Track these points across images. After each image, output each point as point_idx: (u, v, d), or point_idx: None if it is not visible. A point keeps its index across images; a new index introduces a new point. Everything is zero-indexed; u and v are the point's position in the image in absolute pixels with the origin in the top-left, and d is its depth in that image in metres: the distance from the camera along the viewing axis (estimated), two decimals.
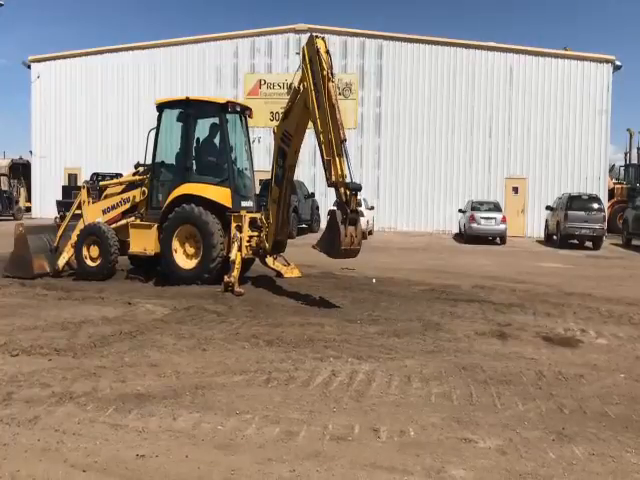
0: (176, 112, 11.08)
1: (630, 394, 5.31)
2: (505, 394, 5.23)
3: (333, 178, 9.06)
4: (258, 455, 3.97)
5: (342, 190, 9.01)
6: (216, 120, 10.92)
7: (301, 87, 9.83)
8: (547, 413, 4.81)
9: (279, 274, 11.49)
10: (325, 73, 9.34)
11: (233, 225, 10.34)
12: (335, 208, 9.14)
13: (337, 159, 9.07)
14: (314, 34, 9.89)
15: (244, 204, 10.89)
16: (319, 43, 9.55)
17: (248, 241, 10.51)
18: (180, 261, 10.41)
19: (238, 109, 11.21)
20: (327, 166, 9.16)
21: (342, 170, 9.06)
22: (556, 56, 28.37)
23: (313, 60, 9.52)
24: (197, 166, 10.93)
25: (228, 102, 10.95)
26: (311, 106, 9.45)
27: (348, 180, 9.08)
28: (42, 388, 5.12)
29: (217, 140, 11.02)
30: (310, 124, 9.84)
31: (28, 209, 32.74)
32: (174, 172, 10.93)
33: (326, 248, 9.24)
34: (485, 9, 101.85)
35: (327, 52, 9.57)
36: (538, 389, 5.39)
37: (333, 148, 9.10)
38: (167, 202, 10.54)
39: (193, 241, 10.40)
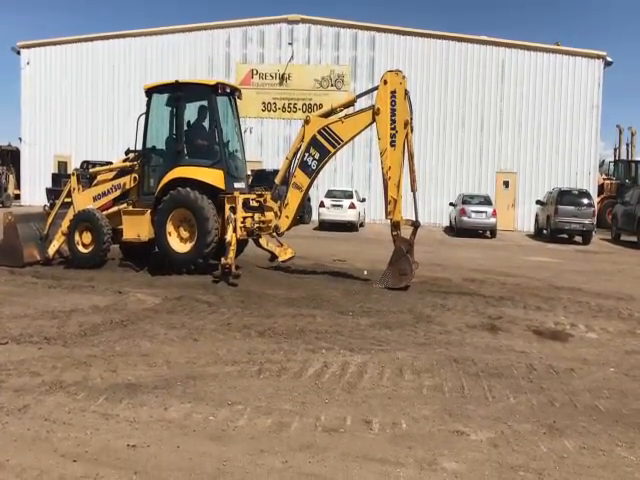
0: (165, 96, 11.01)
1: (620, 388, 5.34)
2: (496, 387, 5.25)
3: (397, 217, 10.15)
4: (250, 446, 3.96)
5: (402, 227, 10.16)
6: (206, 102, 10.85)
7: (375, 108, 10.31)
8: (538, 406, 4.83)
9: (273, 255, 11.50)
10: (408, 119, 10.13)
11: (227, 207, 10.33)
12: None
13: (400, 200, 10.13)
14: (399, 69, 10.55)
15: (237, 185, 10.87)
16: (405, 82, 10.20)
17: (242, 222, 10.53)
18: (174, 244, 10.38)
19: (228, 90, 11.15)
20: (391, 204, 10.13)
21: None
22: (548, 51, 28.39)
23: (397, 96, 10.16)
24: (189, 149, 10.83)
25: (218, 83, 10.88)
26: (382, 136, 10.22)
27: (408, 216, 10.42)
28: (32, 377, 5.08)
29: (207, 122, 10.94)
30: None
31: (17, 196, 32.42)
32: (165, 156, 10.87)
33: (395, 281, 9.93)
34: (477, 2, 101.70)
35: (406, 93, 10.19)
36: (529, 382, 5.41)
37: (400, 189, 10.10)
38: (160, 186, 10.49)
39: (187, 225, 10.36)
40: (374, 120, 10.33)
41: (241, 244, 11.19)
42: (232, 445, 3.97)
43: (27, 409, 4.42)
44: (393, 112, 10.16)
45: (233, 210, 10.33)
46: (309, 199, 26.52)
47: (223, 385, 5.05)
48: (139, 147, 11.05)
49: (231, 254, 9.84)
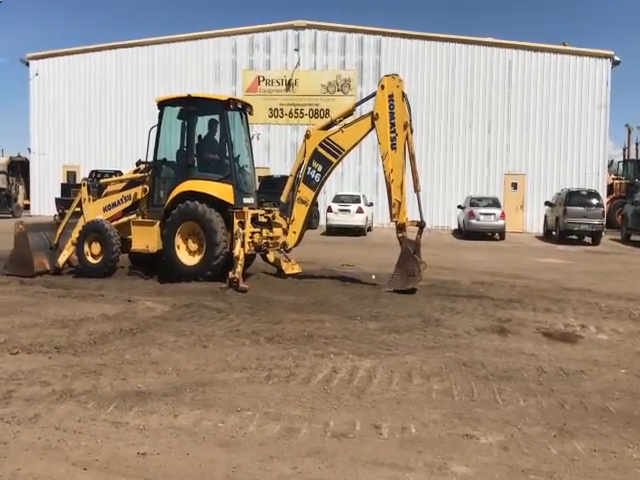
0: (177, 109, 11.10)
1: (631, 390, 5.31)
2: (506, 390, 5.22)
3: (402, 219, 10.21)
4: (259, 452, 3.96)
5: (407, 228, 10.25)
6: (217, 117, 10.96)
7: (374, 114, 10.40)
8: (548, 409, 4.81)
9: (280, 270, 11.50)
10: (407, 120, 10.20)
11: (236, 221, 10.38)
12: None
13: (404, 201, 10.18)
14: (396, 73, 10.70)
15: (246, 200, 10.93)
16: (402, 85, 10.30)
17: (250, 237, 10.58)
18: (183, 257, 10.44)
19: (239, 106, 11.26)
20: (396, 206, 10.19)
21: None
22: (555, 51, 28.34)
23: (395, 99, 10.23)
24: (199, 163, 10.96)
25: (230, 99, 11.01)
26: (383, 140, 10.27)
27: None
28: (42, 386, 5.11)
29: (218, 137, 11.06)
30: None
31: (27, 207, 32.65)
32: (176, 169, 10.94)
33: (403, 282, 9.96)
34: (483, 4, 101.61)
35: (404, 95, 10.25)
36: (539, 385, 5.38)
37: (403, 191, 10.16)
38: (170, 199, 10.56)
39: (196, 238, 10.42)
40: (374, 126, 10.38)
41: (249, 259, 11.26)
42: (241, 451, 3.98)
43: (38, 418, 4.44)
44: (392, 115, 10.22)
45: (242, 225, 10.38)
46: (316, 204, 26.55)
47: (232, 391, 5.06)
48: (150, 159, 11.12)
49: (239, 269, 9.89)
